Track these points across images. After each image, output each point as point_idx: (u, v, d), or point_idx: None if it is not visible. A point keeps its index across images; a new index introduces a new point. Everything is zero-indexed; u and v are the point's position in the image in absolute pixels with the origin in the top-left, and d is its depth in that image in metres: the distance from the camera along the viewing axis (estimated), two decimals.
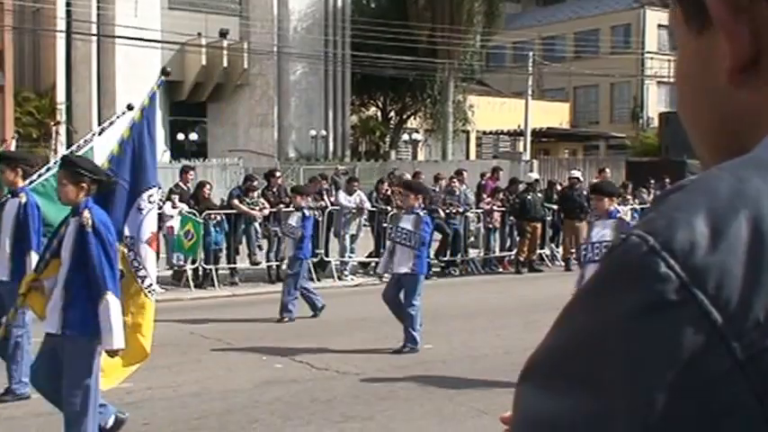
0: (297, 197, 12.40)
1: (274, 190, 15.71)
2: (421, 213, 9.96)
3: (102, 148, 7.43)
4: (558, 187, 18.41)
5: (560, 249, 18.08)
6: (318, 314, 11.83)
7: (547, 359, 0.65)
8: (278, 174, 16.35)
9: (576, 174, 18.72)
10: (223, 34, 37.40)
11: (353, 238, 15.98)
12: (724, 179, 0.63)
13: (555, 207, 17.76)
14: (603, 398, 0.59)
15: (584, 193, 18.19)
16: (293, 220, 12.11)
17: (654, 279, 0.59)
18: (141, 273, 6.43)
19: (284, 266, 14.19)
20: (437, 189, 16.99)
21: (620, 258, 0.62)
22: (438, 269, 16.83)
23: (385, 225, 16.01)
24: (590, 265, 8.05)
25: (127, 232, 6.43)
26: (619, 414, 0.58)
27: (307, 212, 12.02)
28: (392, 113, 44.74)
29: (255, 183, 15.54)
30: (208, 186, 15.34)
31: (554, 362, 0.64)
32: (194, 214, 14.12)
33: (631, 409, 0.58)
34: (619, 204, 18.56)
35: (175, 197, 14.45)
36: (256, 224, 15.13)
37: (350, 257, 16.00)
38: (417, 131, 42.83)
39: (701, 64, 0.73)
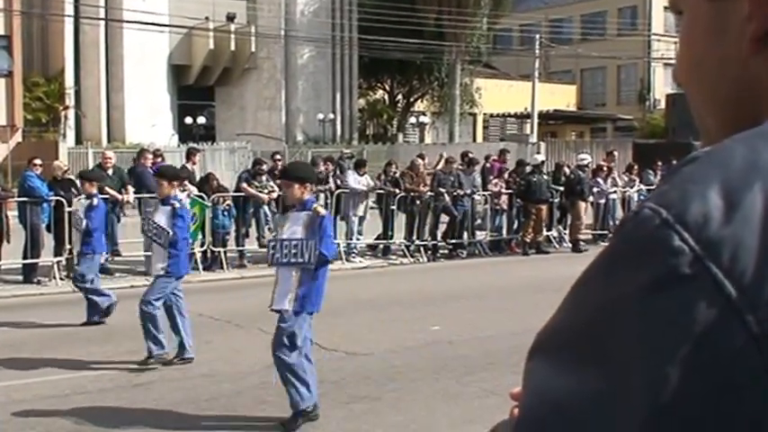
0: (85, 184, 10.63)
1: (276, 172, 15.66)
2: (177, 205, 8.45)
3: None
4: (567, 170, 18.36)
5: (567, 231, 18.08)
6: (94, 321, 10.18)
7: (557, 334, 0.64)
8: (278, 157, 16.31)
9: (585, 158, 18.71)
10: (230, 18, 37.33)
11: (361, 220, 16.01)
12: (737, 151, 0.61)
13: (561, 189, 17.74)
14: (615, 373, 0.59)
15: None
16: (81, 210, 10.55)
17: (667, 253, 0.58)
18: None
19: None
20: (447, 171, 16.95)
21: (632, 232, 0.61)
22: (446, 251, 16.85)
23: (393, 208, 16.05)
24: (282, 267, 6.43)
25: None
26: (631, 389, 0.58)
27: (95, 201, 10.37)
28: (399, 96, 44.65)
29: (264, 166, 15.54)
30: (215, 180, 15.31)
31: (564, 337, 0.63)
32: (202, 197, 14.16)
33: (644, 385, 0.57)
34: (625, 185, 18.64)
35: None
36: (266, 207, 15.15)
37: (357, 240, 16.03)
38: (424, 114, 42.75)
39: (714, 31, 0.71)
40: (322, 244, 6.35)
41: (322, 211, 6.57)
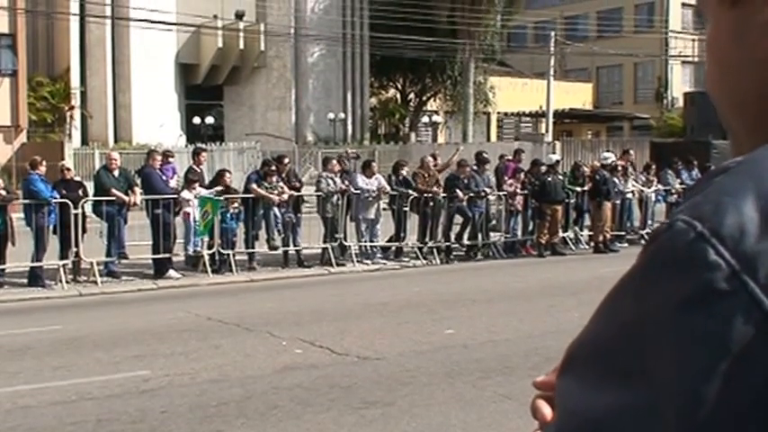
0: None
1: (283, 176, 15.48)
2: None
3: None
4: (585, 169, 18.15)
5: (584, 232, 17.86)
6: None
7: (589, 350, 0.64)
8: (286, 160, 16.12)
9: (609, 157, 18.58)
10: (239, 16, 37.26)
11: (372, 222, 15.79)
12: None
13: (579, 189, 17.52)
14: (650, 390, 0.58)
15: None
16: None
17: (703, 267, 0.57)
18: None
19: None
20: (461, 174, 16.73)
21: (666, 245, 0.60)
22: (460, 253, 16.70)
23: (406, 209, 15.85)
24: None
25: None
26: (666, 407, 0.57)
27: None
28: (412, 95, 44.55)
29: (273, 167, 15.36)
30: (228, 175, 15.19)
31: (597, 353, 0.62)
32: (213, 194, 14.06)
33: (679, 402, 0.56)
34: (642, 185, 18.45)
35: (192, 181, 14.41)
36: (276, 209, 14.98)
37: (371, 242, 15.81)
38: (437, 113, 42.68)
39: (737, 36, 0.70)
40: None
41: None
